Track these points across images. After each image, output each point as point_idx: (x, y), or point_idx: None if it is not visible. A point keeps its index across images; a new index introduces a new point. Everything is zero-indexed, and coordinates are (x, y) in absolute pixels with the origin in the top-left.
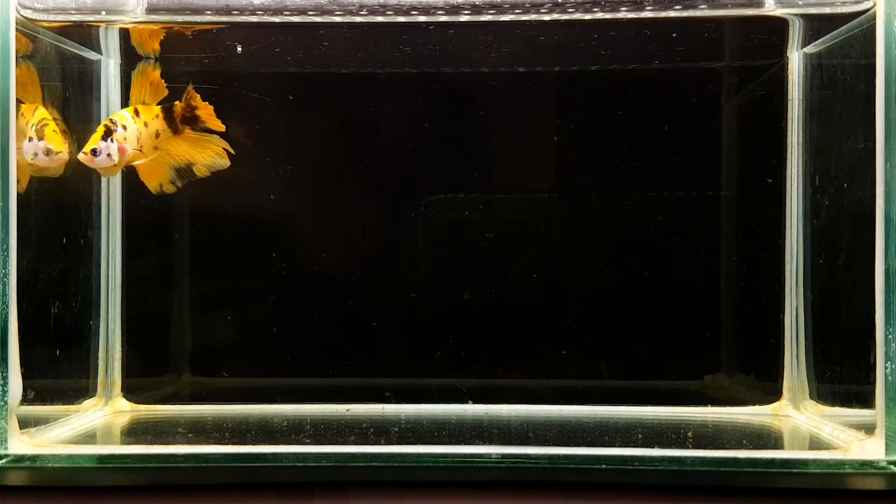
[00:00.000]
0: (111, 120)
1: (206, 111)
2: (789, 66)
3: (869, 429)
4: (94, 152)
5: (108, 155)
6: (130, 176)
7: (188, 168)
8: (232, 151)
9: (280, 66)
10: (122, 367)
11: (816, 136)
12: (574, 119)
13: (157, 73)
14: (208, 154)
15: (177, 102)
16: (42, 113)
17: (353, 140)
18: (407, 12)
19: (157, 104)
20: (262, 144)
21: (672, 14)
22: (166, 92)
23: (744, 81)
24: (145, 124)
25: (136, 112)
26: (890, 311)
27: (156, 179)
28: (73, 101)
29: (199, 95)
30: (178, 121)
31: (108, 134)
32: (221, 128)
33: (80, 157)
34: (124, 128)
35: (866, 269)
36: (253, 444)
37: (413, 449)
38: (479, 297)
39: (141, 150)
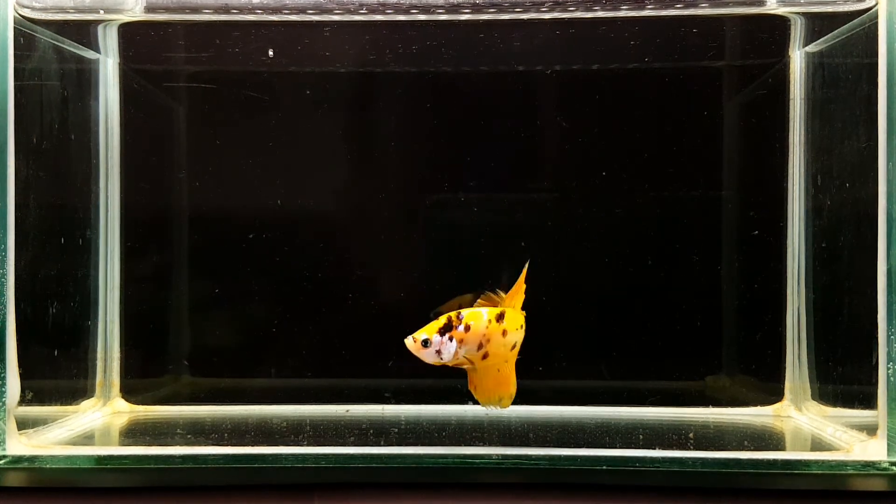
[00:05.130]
0: (459, 314)
1: None
2: (791, 66)
3: (871, 430)
4: (424, 343)
5: (438, 352)
6: (129, 174)
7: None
8: None
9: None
10: (121, 368)
11: (818, 135)
12: (573, 119)
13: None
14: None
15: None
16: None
17: (352, 139)
18: (407, 11)
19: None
20: (260, 145)
21: (673, 12)
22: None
23: (745, 80)
24: (504, 332)
25: (500, 316)
26: (892, 312)
27: (496, 393)
28: (72, 100)
29: None
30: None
31: (447, 328)
32: None
33: (407, 342)
34: (466, 329)
35: (868, 269)
36: (252, 446)
37: (413, 450)
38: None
39: (485, 358)
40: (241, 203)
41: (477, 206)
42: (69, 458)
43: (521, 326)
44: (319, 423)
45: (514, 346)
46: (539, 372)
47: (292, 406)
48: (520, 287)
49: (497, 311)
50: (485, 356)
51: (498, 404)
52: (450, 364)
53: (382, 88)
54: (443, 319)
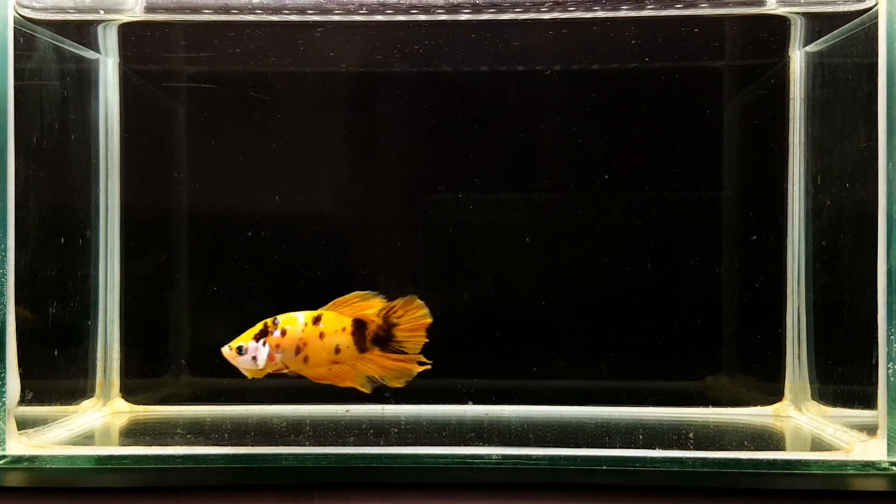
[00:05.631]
0: (275, 320)
1: (405, 331)
2: (791, 66)
3: (871, 430)
4: (239, 350)
5: (254, 358)
6: (129, 175)
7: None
8: (429, 364)
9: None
10: (121, 368)
11: (818, 135)
12: (572, 119)
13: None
14: (394, 373)
15: (374, 318)
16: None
17: (351, 139)
18: (406, 11)
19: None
20: (260, 144)
21: (673, 13)
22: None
23: (745, 80)
24: (321, 335)
25: (317, 319)
26: (892, 312)
27: (340, 383)
28: (72, 100)
29: (406, 310)
30: (369, 339)
31: (262, 334)
32: (419, 343)
33: (224, 350)
34: (283, 333)
35: (868, 269)
36: (252, 446)
37: (413, 450)
38: (479, 298)
39: (306, 361)
40: (241, 203)
41: (477, 206)
42: (69, 458)
43: (344, 329)
44: (319, 423)
45: (337, 350)
46: (539, 372)
47: (292, 406)
48: (356, 299)
49: (314, 314)
50: (305, 359)
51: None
52: (270, 371)
53: (382, 88)
54: (259, 326)
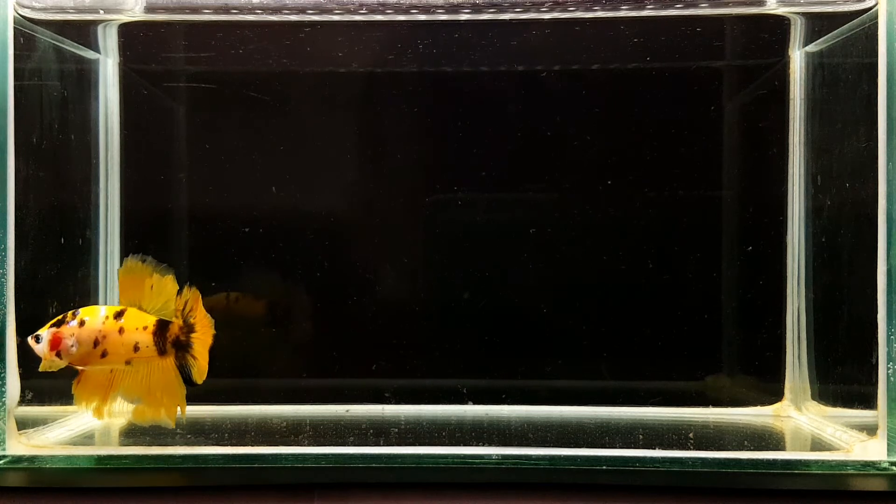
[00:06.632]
0: (75, 311)
1: (198, 342)
2: (791, 65)
3: (871, 430)
4: (37, 338)
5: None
6: (129, 175)
7: (129, 402)
8: (183, 416)
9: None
10: None
11: (818, 135)
12: (572, 119)
13: (173, 285)
14: (161, 403)
15: (175, 319)
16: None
17: (351, 139)
18: (406, 11)
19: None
20: (260, 144)
21: (673, 13)
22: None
23: (745, 80)
24: (120, 330)
25: (119, 314)
26: (892, 311)
27: (91, 396)
28: (72, 100)
29: (198, 314)
30: (170, 342)
31: (59, 324)
32: (200, 378)
33: (29, 339)
34: (81, 324)
35: (868, 269)
36: (252, 446)
37: (413, 450)
38: (480, 298)
39: (104, 356)
40: (240, 202)
41: (477, 206)
42: (69, 458)
43: (146, 327)
44: (319, 423)
45: (136, 348)
46: (540, 372)
47: (292, 406)
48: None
49: (117, 308)
50: (103, 354)
51: (91, 409)
52: (65, 363)
53: (382, 88)
54: (60, 316)
